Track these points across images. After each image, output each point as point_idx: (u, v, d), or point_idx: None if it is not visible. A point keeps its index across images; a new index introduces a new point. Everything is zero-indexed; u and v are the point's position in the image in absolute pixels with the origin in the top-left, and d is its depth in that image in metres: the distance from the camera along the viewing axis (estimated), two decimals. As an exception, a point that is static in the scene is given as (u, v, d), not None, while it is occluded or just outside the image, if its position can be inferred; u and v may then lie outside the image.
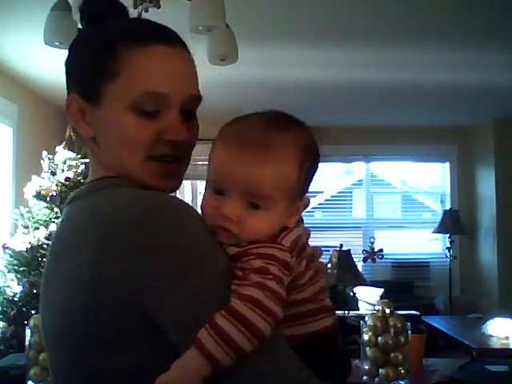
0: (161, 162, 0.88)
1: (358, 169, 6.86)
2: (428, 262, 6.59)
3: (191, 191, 6.27)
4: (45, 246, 3.65)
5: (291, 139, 0.83)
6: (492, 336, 3.78)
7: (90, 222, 0.82)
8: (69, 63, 0.93)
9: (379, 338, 2.01)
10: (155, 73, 0.87)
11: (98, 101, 0.88)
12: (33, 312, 3.28)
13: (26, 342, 1.89)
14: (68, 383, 0.85)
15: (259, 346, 0.73)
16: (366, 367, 2.03)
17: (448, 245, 6.16)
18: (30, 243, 3.65)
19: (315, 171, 0.88)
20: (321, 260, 0.92)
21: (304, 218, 0.91)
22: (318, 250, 0.90)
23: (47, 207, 3.82)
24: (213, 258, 0.78)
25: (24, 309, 3.50)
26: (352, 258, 4.03)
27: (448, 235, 6.16)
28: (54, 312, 0.85)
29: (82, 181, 3.96)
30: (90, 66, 0.89)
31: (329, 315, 0.86)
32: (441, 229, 6.13)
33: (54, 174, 3.89)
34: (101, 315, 0.77)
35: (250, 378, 0.74)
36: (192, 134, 0.92)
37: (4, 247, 3.67)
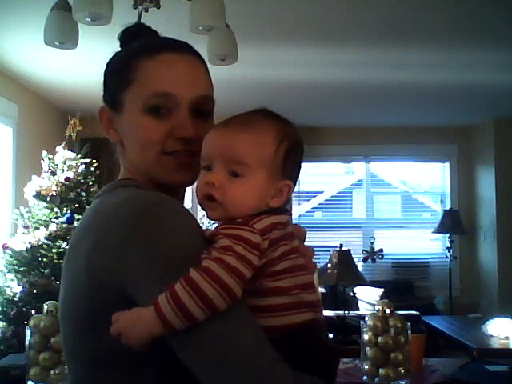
0: (175, 156, 0.98)
1: (358, 169, 6.86)
2: (428, 262, 6.58)
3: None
4: (45, 246, 3.66)
5: (273, 123, 0.92)
6: (492, 336, 3.79)
7: (92, 220, 0.93)
8: (103, 82, 1.07)
9: (379, 338, 2.01)
10: (163, 76, 0.98)
11: (120, 108, 1.01)
12: (33, 312, 3.28)
13: (26, 342, 1.89)
14: (70, 364, 0.97)
15: (214, 317, 0.78)
16: (366, 367, 2.03)
17: (448, 245, 6.16)
18: (30, 243, 3.65)
19: (298, 161, 0.94)
20: (313, 260, 0.97)
21: (295, 215, 0.96)
22: (308, 249, 0.96)
23: (47, 207, 3.82)
24: (188, 249, 0.84)
25: (24, 309, 3.50)
26: (352, 258, 4.02)
27: (448, 235, 6.16)
28: (60, 303, 0.97)
29: (82, 181, 3.96)
30: (113, 79, 1.03)
31: (309, 310, 0.87)
32: (441, 229, 6.13)
33: (54, 174, 3.89)
34: (93, 301, 0.87)
35: (200, 345, 0.80)
36: (207, 133, 0.97)
37: (4, 247, 3.67)
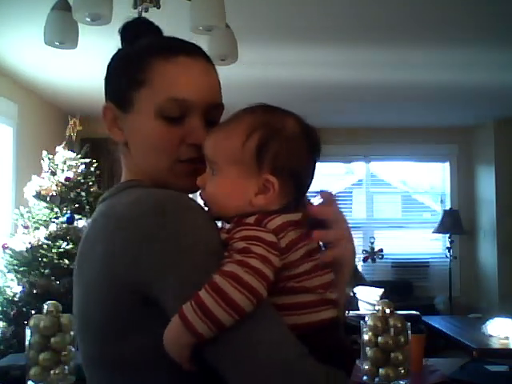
0: (189, 163, 0.96)
1: (358, 169, 6.86)
2: (428, 262, 6.58)
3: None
4: (45, 246, 3.66)
5: (252, 115, 0.88)
6: (492, 336, 3.79)
7: (104, 222, 0.91)
8: (106, 77, 1.03)
9: (379, 338, 2.01)
10: (179, 81, 0.95)
11: (128, 108, 0.97)
12: (33, 312, 3.28)
13: (26, 342, 1.88)
14: (90, 373, 0.94)
15: (242, 319, 0.77)
16: (366, 367, 2.03)
17: (448, 245, 6.16)
18: (30, 243, 3.65)
19: (285, 151, 0.86)
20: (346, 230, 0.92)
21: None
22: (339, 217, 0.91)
23: (47, 207, 3.82)
24: (208, 244, 0.83)
25: (24, 309, 3.50)
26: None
27: (448, 235, 6.16)
28: (76, 308, 0.94)
29: (82, 181, 3.97)
30: (122, 77, 0.99)
31: (332, 307, 0.87)
32: (441, 229, 6.13)
33: (54, 174, 3.89)
34: (115, 305, 0.85)
35: (233, 349, 0.78)
36: None
37: (4, 247, 3.67)
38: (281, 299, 0.82)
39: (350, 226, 0.94)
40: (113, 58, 1.03)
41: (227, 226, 0.86)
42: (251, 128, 0.86)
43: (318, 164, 0.91)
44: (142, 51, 0.98)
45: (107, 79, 1.03)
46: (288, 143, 0.86)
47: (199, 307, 0.76)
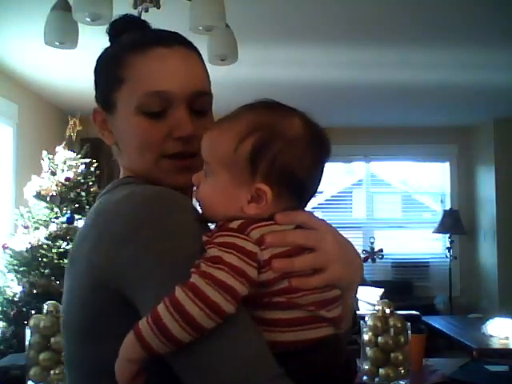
0: (175, 159, 0.92)
1: (358, 169, 6.86)
2: (428, 262, 6.58)
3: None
4: (45, 246, 3.66)
5: (250, 114, 0.81)
6: (492, 336, 3.79)
7: (93, 220, 0.87)
8: (94, 80, 1.00)
9: (379, 338, 2.01)
10: (155, 73, 0.91)
11: (112, 109, 0.95)
12: (33, 312, 3.28)
13: (26, 342, 1.88)
14: (68, 373, 0.91)
15: (201, 337, 0.71)
16: (366, 367, 2.03)
17: (448, 245, 6.16)
18: (30, 243, 3.65)
19: (282, 159, 0.77)
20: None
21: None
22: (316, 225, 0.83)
23: (47, 207, 3.83)
24: (193, 249, 0.77)
25: (24, 309, 3.50)
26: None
27: (448, 235, 6.16)
28: (62, 309, 0.91)
29: (82, 181, 3.97)
30: (104, 78, 0.97)
31: (327, 326, 0.78)
32: (441, 229, 6.13)
33: (54, 174, 3.89)
34: (93, 304, 0.81)
35: (193, 363, 0.73)
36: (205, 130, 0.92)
37: (4, 247, 3.67)
38: (264, 314, 0.75)
39: (343, 245, 0.85)
40: (97, 60, 1.00)
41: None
42: (247, 130, 0.78)
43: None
44: (119, 49, 0.95)
45: (95, 82, 1.00)
46: (289, 147, 0.78)
47: (155, 323, 0.70)
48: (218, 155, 0.80)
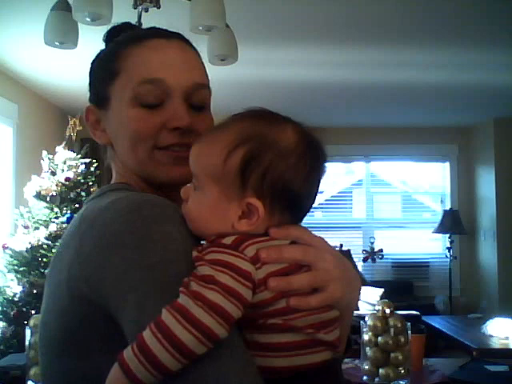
0: (170, 150, 0.88)
1: (358, 169, 6.86)
2: (428, 262, 6.58)
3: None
4: (45, 246, 3.66)
5: (239, 125, 0.76)
6: (492, 336, 3.79)
7: (76, 227, 0.81)
8: (88, 83, 0.98)
9: (379, 338, 2.01)
10: (151, 61, 0.89)
11: (106, 104, 0.92)
12: (33, 312, 3.29)
13: (26, 342, 1.89)
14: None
15: (190, 364, 0.66)
16: (366, 367, 2.03)
17: (448, 245, 6.16)
18: (30, 243, 3.65)
19: (273, 173, 0.73)
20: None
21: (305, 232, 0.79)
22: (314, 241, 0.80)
23: (47, 207, 3.82)
24: (179, 264, 0.72)
25: (24, 309, 3.50)
26: (352, 258, 4.02)
27: (448, 235, 6.16)
28: (40, 320, 0.85)
29: (82, 181, 3.97)
30: (97, 76, 0.95)
31: (325, 350, 0.74)
32: (441, 229, 6.14)
33: (54, 174, 3.89)
34: (71, 318, 0.76)
35: None
36: (205, 125, 0.90)
37: (4, 247, 3.67)
38: (258, 337, 0.71)
39: (342, 263, 0.79)
40: (92, 62, 0.98)
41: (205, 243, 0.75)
42: (236, 141, 0.73)
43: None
44: (114, 45, 0.94)
45: (89, 83, 0.98)
46: (281, 159, 0.73)
47: (141, 350, 0.64)
48: (206, 168, 0.75)
